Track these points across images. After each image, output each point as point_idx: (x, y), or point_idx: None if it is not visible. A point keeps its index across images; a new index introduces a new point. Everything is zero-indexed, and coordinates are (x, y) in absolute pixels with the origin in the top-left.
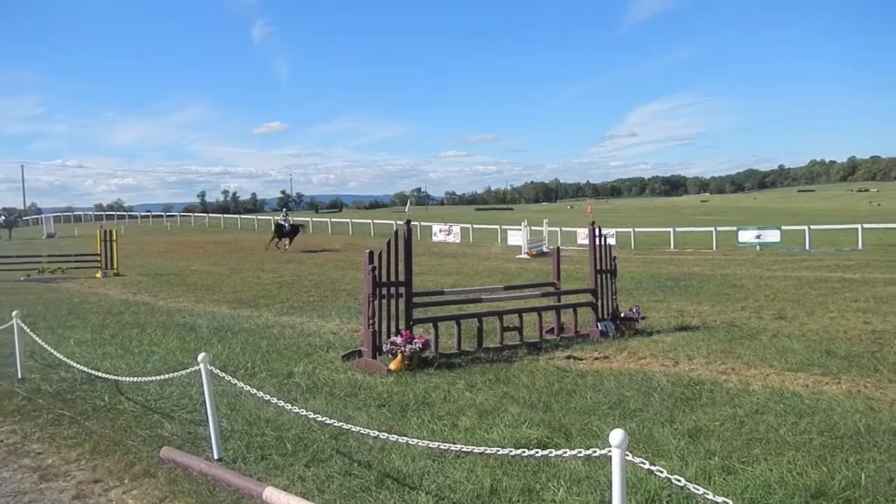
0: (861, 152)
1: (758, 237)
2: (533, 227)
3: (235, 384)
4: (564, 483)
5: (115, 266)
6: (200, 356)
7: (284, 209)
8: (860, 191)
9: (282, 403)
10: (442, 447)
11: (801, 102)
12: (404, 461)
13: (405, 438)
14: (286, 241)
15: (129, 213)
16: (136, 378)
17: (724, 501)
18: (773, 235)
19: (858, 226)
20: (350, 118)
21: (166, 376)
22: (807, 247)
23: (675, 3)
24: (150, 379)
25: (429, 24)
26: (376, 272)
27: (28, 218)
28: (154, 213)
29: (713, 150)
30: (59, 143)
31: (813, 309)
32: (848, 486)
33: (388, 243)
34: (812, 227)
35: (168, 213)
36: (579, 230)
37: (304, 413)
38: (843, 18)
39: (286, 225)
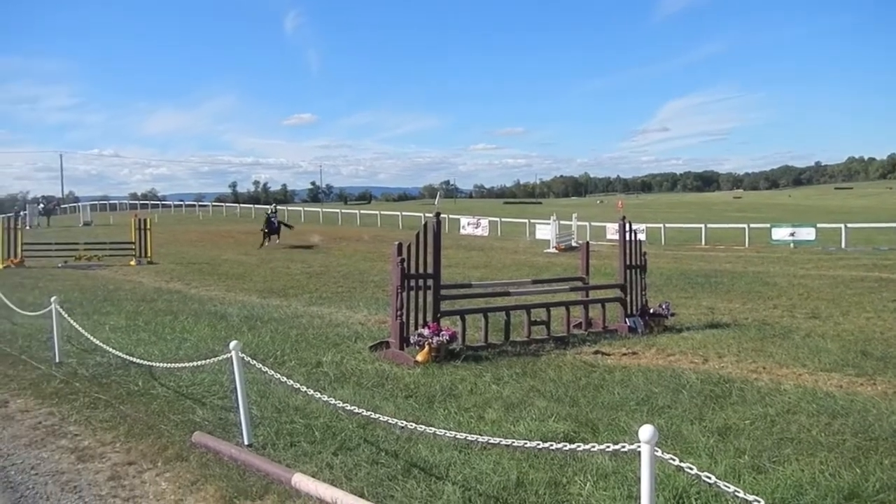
0: None
1: (792, 234)
2: (562, 222)
3: (265, 372)
4: (591, 477)
5: (149, 254)
6: (232, 344)
7: (274, 205)
8: None
9: (311, 392)
10: (468, 439)
11: (838, 98)
12: (431, 451)
13: (432, 429)
14: (275, 237)
15: (163, 202)
16: (168, 364)
17: (756, 500)
18: (807, 233)
19: None
20: (379, 110)
21: (198, 363)
22: (843, 245)
23: None
24: (182, 365)
25: (458, 18)
26: (405, 264)
27: (66, 206)
28: (187, 203)
29: (747, 146)
30: (95, 133)
31: (848, 308)
32: (882, 489)
33: (417, 235)
34: (849, 225)
35: (200, 203)
36: (609, 225)
37: (333, 402)
38: (880, 12)
39: (274, 221)
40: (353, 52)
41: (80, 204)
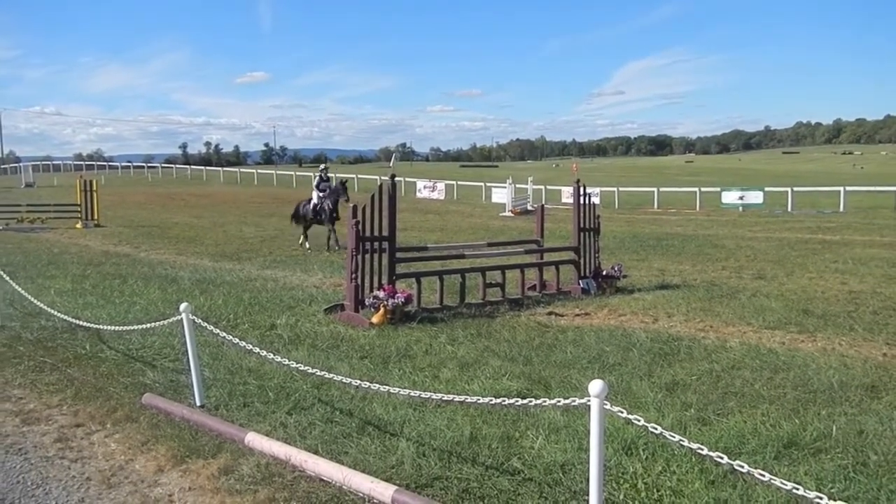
0: (847, 115)
1: (741, 198)
2: (517, 185)
3: (218, 334)
4: (543, 431)
5: (96, 217)
6: (182, 306)
7: (325, 165)
8: (844, 153)
9: (264, 353)
10: (423, 396)
11: (789, 63)
12: (386, 410)
13: (387, 388)
14: (330, 229)
15: (110, 163)
16: (117, 327)
17: (699, 447)
18: (756, 197)
19: (841, 188)
20: (335, 70)
21: (148, 325)
22: (789, 208)
23: None
24: (132, 328)
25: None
26: (360, 226)
27: (6, 167)
28: (135, 164)
29: (701, 110)
30: (36, 90)
31: (792, 269)
32: (819, 438)
33: (372, 198)
34: (795, 188)
35: (149, 165)
36: (564, 189)
37: (287, 363)
38: None
39: (326, 202)
40: (307, 7)
41: (21, 165)
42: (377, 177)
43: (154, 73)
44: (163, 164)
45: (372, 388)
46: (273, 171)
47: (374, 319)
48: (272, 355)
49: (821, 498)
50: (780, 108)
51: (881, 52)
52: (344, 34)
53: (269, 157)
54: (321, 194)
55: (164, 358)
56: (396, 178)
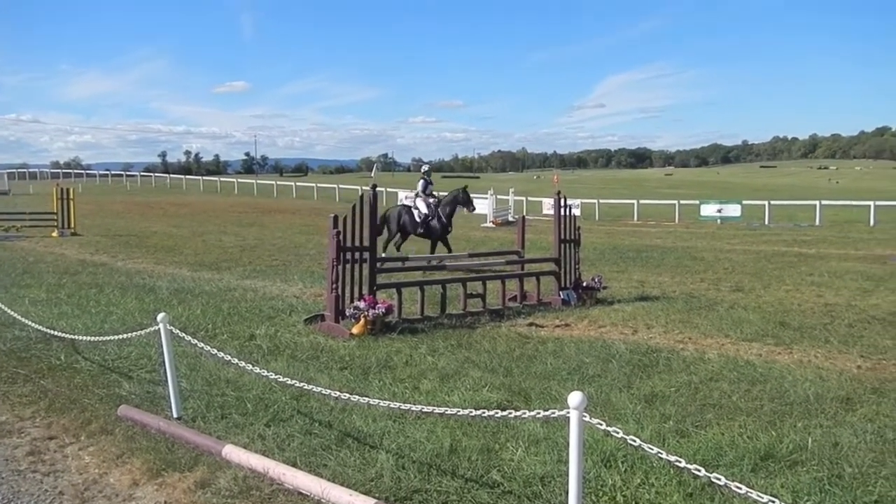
0: (822, 130)
1: (719, 211)
2: (499, 196)
3: (196, 345)
4: (523, 443)
5: (73, 225)
6: (160, 316)
7: (427, 166)
8: (820, 168)
9: (242, 364)
10: (403, 408)
11: (766, 79)
12: (365, 421)
13: (366, 399)
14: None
15: (88, 171)
16: (93, 338)
17: (677, 460)
18: (734, 210)
19: (817, 202)
20: (317, 80)
21: (125, 336)
22: (766, 222)
23: None
24: (107, 339)
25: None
26: (340, 237)
27: None
28: (113, 173)
29: (680, 124)
30: (12, 97)
31: (769, 282)
32: (795, 450)
33: (353, 208)
34: (772, 202)
35: (128, 173)
36: (545, 200)
37: (266, 374)
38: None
39: (432, 211)
40: (289, 17)
41: None
42: (359, 187)
43: (134, 82)
44: (141, 173)
45: (352, 399)
46: (254, 181)
47: (355, 330)
48: (251, 366)
49: None
50: (758, 123)
51: (857, 71)
52: (326, 45)
53: (250, 166)
54: (432, 201)
55: (140, 369)
56: (378, 189)
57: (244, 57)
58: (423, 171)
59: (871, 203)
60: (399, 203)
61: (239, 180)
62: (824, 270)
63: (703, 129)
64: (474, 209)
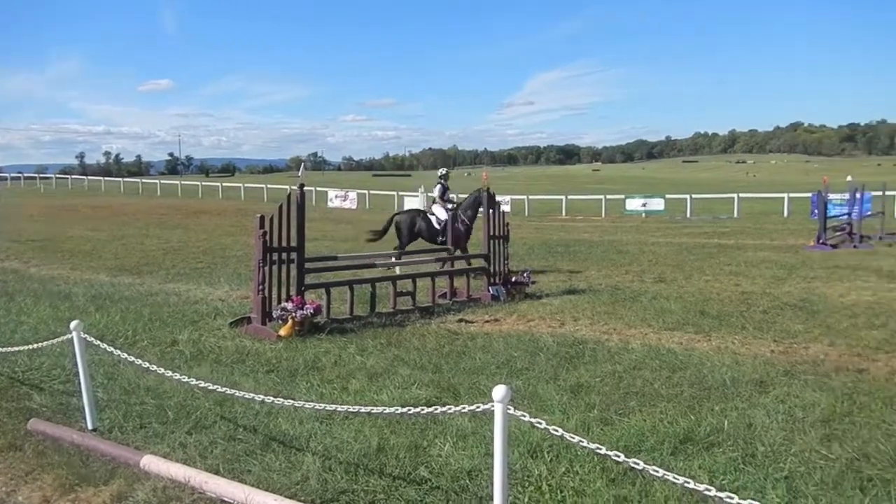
0: (740, 125)
1: (644, 205)
2: (430, 194)
3: (112, 353)
4: (451, 439)
5: None
6: (73, 324)
7: (445, 170)
8: (738, 162)
9: (162, 371)
10: (330, 409)
11: (687, 77)
12: (291, 424)
13: (293, 402)
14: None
15: None
16: (1, 349)
17: (598, 447)
18: (657, 204)
19: (735, 195)
20: (243, 78)
21: (36, 346)
22: (688, 215)
23: None
24: (17, 349)
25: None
26: (267, 237)
27: None
28: (26, 175)
29: (606, 121)
30: None
31: (690, 273)
32: (712, 432)
33: (280, 208)
34: (694, 196)
35: (42, 175)
36: None
37: (187, 380)
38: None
39: (463, 215)
40: (213, 14)
41: None
42: (287, 187)
43: (50, 81)
44: (57, 175)
45: (277, 402)
46: (178, 182)
47: (282, 332)
48: (171, 373)
49: (710, 490)
50: (680, 120)
51: (771, 68)
52: (253, 42)
53: (174, 167)
54: (451, 206)
55: (53, 380)
56: (307, 188)
57: (167, 55)
58: (440, 174)
59: (785, 195)
60: (407, 209)
61: (162, 181)
62: (741, 260)
63: (628, 125)
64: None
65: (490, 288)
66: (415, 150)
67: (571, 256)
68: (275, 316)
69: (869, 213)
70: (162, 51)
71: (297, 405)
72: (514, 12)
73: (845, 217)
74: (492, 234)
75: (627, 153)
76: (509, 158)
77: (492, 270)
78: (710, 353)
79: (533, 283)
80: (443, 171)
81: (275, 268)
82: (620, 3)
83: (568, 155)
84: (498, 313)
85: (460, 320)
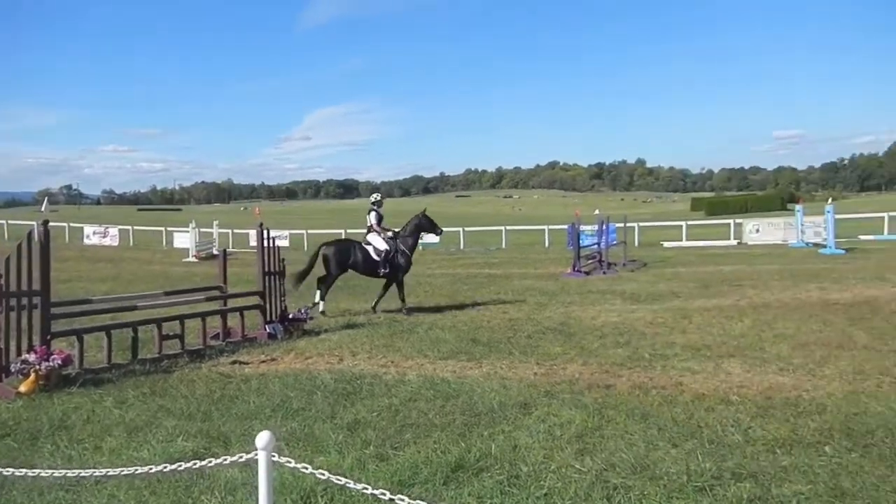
0: (506, 163)
1: (420, 238)
2: (202, 229)
3: None
4: (219, 493)
5: None
6: None
7: (377, 195)
8: (506, 197)
9: None
10: (78, 474)
11: (457, 116)
12: (30, 497)
13: (32, 471)
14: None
15: None
16: None
17: (364, 487)
18: (433, 237)
19: (503, 228)
20: None
21: None
22: (462, 247)
23: (353, 7)
24: None
25: (85, 8)
26: (3, 280)
27: None
28: None
29: (384, 156)
30: None
31: (463, 302)
32: (482, 457)
33: (20, 247)
34: (466, 228)
35: None
36: (252, 232)
37: None
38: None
39: (393, 246)
40: None
41: None
42: (34, 223)
43: None
44: None
45: (10, 473)
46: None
47: (23, 388)
48: None
49: None
50: (453, 157)
51: (530, 109)
52: None
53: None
54: (390, 234)
55: None
56: (60, 224)
57: None
58: (372, 200)
59: (546, 227)
60: (336, 240)
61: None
62: (509, 289)
63: (405, 161)
64: (441, 232)
65: (266, 326)
66: (186, 184)
67: (350, 290)
68: (14, 370)
69: (614, 242)
70: None
71: (36, 474)
72: (290, 51)
73: (595, 247)
74: (266, 270)
75: (405, 188)
76: (288, 192)
77: (268, 308)
78: (480, 379)
79: (311, 318)
80: (376, 196)
81: (13, 315)
82: (391, 46)
83: (348, 189)
84: (275, 352)
85: (234, 362)
